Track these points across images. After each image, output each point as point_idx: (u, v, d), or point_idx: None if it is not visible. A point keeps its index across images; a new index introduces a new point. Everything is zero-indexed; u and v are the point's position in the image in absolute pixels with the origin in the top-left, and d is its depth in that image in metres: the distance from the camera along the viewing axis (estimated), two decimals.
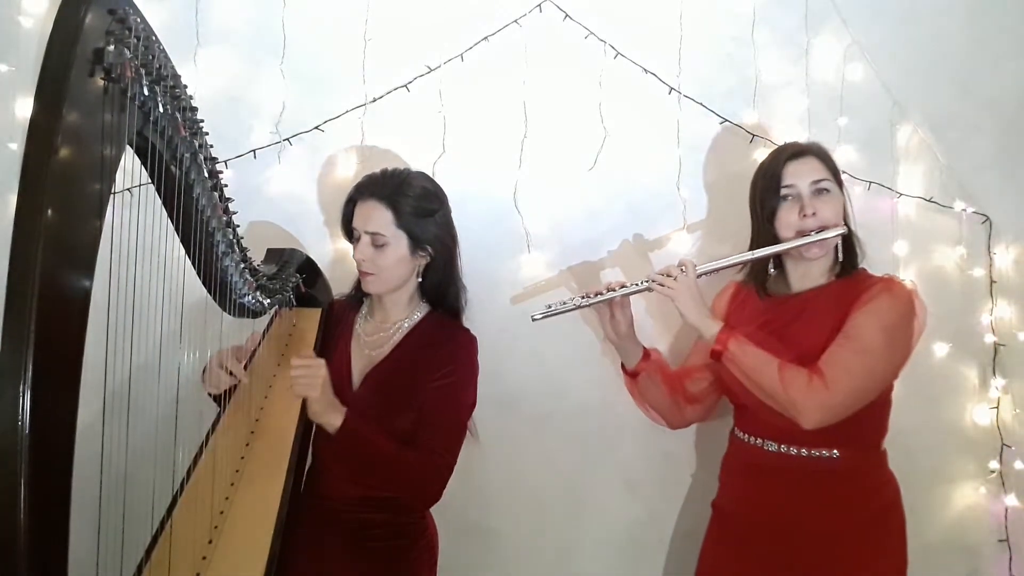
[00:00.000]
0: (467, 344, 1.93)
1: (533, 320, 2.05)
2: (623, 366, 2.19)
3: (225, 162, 2.21)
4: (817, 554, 1.89)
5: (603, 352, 2.41)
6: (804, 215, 1.91)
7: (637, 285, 2.02)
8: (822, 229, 1.90)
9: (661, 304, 2.31)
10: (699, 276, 1.98)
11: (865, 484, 1.94)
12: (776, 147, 2.10)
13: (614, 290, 2.04)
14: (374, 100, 2.37)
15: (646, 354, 2.15)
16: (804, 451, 1.90)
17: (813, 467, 1.90)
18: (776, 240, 1.97)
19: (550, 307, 2.05)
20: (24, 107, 2.32)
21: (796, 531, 1.91)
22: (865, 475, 1.95)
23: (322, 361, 1.76)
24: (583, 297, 2.04)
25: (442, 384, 1.85)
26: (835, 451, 1.89)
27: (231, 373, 1.79)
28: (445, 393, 1.85)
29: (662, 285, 1.97)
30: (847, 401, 1.81)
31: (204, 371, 1.86)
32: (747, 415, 2.02)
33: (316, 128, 2.35)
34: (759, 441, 1.98)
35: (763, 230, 1.99)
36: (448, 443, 1.83)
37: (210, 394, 1.85)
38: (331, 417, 1.74)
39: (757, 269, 2.06)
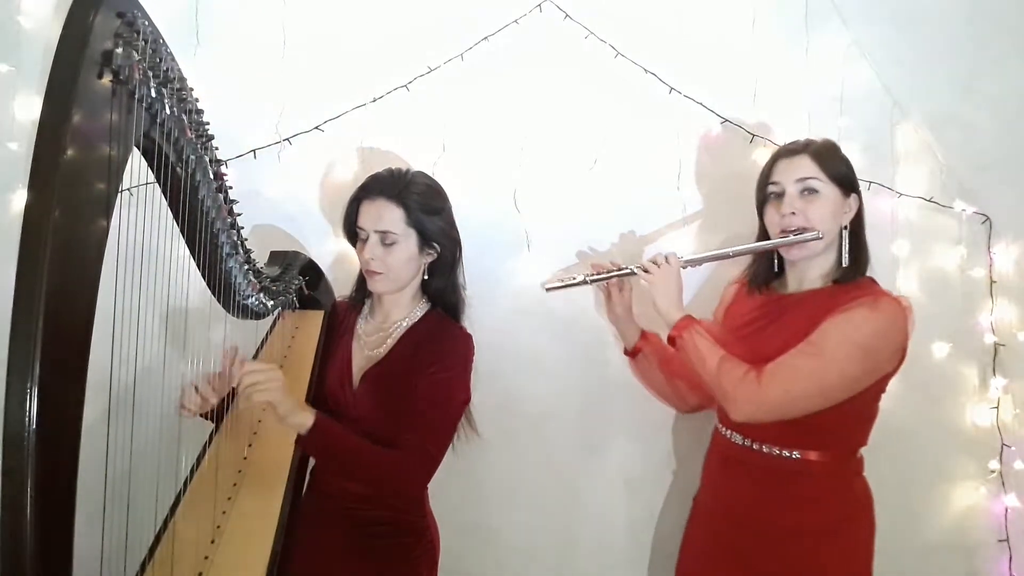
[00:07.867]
0: (462, 340, 1.92)
1: (546, 290, 2.10)
2: (625, 349, 2.24)
3: (225, 162, 2.20)
4: (780, 551, 1.88)
5: (602, 352, 2.42)
6: (783, 213, 1.89)
7: (625, 269, 2.06)
8: (803, 230, 1.87)
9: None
10: (684, 267, 2.00)
11: (830, 489, 1.89)
12: None
13: (610, 271, 2.08)
14: (374, 100, 2.37)
15: (644, 335, 2.21)
16: (765, 448, 1.89)
17: (777, 465, 1.88)
18: (766, 236, 1.97)
19: (562, 280, 2.09)
20: (24, 107, 2.32)
21: (760, 526, 1.90)
22: (831, 480, 1.89)
23: (274, 365, 1.71)
24: (589, 275, 2.09)
25: (433, 378, 1.82)
26: (796, 452, 1.86)
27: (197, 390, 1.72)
28: (435, 387, 1.82)
29: (646, 272, 2.00)
30: (782, 401, 1.77)
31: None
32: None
33: (316, 128, 2.36)
34: (729, 433, 1.98)
35: (760, 226, 2.01)
36: (433, 437, 1.80)
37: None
38: (300, 417, 1.68)
39: (756, 264, 2.06)
